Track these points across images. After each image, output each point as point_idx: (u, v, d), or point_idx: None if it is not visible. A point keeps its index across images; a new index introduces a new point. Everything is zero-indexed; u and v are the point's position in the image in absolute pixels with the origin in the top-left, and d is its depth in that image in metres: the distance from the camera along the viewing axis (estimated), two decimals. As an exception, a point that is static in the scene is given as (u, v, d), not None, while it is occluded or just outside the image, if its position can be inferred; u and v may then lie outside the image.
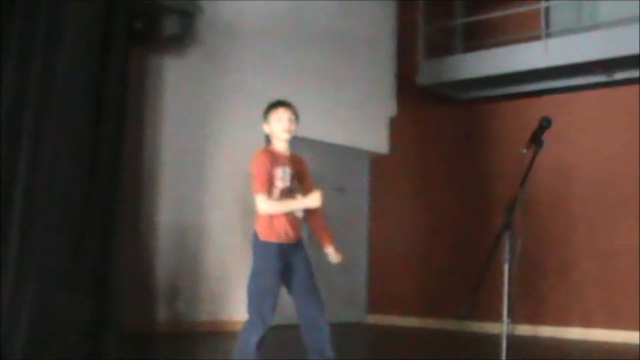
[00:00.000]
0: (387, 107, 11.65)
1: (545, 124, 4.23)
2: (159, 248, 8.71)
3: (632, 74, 9.77)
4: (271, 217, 4.48)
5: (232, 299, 9.37)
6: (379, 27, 11.61)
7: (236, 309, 9.43)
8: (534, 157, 4.11)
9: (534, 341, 8.95)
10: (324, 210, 4.67)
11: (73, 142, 5.51)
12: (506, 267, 3.89)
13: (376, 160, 11.54)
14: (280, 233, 4.48)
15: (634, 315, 9.00)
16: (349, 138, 10.90)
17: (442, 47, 11.38)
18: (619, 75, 9.93)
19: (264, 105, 10.25)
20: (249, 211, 9.50)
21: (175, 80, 8.97)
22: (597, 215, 9.66)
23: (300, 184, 4.67)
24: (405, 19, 11.70)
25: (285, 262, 4.50)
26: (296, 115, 4.66)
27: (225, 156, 9.41)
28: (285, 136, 4.60)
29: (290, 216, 4.51)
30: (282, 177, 4.51)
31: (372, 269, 11.39)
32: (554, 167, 9.72)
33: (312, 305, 4.55)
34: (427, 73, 11.03)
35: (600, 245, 9.55)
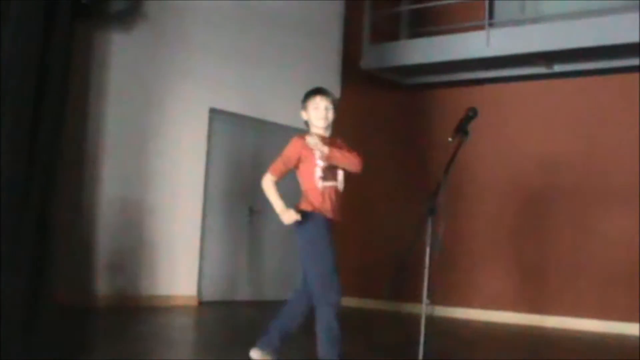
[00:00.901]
0: (331, 90, 11.68)
1: (471, 113, 4.39)
2: (101, 222, 8.74)
3: (571, 67, 10.02)
4: (322, 196, 4.78)
5: (174, 274, 9.45)
6: (326, 10, 11.67)
7: (177, 284, 9.52)
8: (459, 146, 4.27)
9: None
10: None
11: (14, 116, 5.53)
12: (428, 250, 4.07)
13: (319, 142, 11.63)
14: (328, 209, 4.84)
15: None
16: (292, 119, 10.94)
17: (387, 32, 11.50)
18: (559, 68, 10.18)
19: (210, 82, 10.21)
20: (193, 186, 9.64)
21: (121, 55, 8.97)
22: (533, 202, 9.92)
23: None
24: (352, 4, 11.79)
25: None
26: (333, 104, 4.91)
27: (170, 131, 9.45)
28: (322, 123, 4.85)
29: (336, 197, 4.86)
30: (321, 156, 4.74)
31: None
32: (492, 154, 10.00)
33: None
34: (372, 58, 11.16)
35: (546, 232, 9.82)
